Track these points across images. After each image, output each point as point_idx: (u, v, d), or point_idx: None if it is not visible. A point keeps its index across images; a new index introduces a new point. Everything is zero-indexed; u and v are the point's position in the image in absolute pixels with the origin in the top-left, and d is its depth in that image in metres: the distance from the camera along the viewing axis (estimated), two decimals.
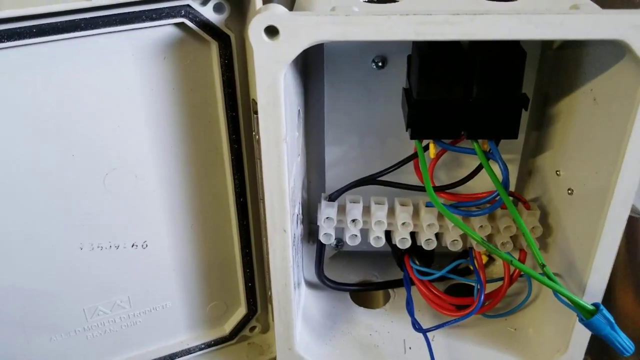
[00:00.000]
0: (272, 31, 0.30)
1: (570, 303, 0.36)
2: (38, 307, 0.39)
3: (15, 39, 0.30)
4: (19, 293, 0.38)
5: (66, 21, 0.30)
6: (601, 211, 0.36)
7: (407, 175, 0.43)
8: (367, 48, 0.42)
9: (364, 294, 0.50)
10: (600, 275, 0.37)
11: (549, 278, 0.36)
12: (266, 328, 0.47)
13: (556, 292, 0.36)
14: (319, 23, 0.30)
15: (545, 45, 0.42)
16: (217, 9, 0.33)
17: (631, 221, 0.54)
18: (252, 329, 0.47)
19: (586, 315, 0.36)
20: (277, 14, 0.30)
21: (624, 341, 0.36)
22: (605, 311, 0.36)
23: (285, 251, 0.37)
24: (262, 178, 0.35)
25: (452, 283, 0.50)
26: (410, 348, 0.44)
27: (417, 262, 0.45)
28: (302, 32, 0.30)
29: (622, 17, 0.30)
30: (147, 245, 0.40)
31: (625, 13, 0.30)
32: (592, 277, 0.37)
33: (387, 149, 0.46)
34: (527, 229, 0.38)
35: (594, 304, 0.36)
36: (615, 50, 0.33)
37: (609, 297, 0.59)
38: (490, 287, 0.45)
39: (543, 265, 0.37)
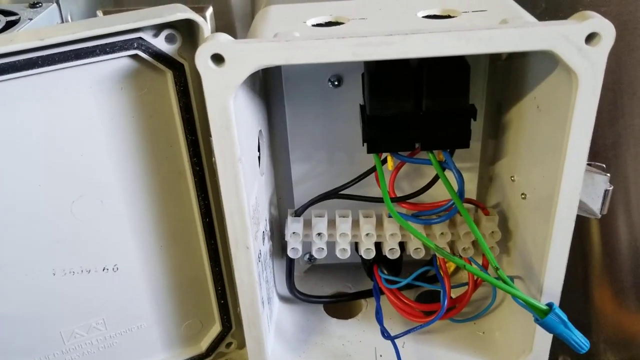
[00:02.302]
0: (218, 58, 0.32)
1: (525, 304, 0.37)
2: (16, 332, 0.41)
3: None
4: None
5: (24, 59, 0.32)
6: (549, 213, 0.37)
7: (373, 187, 0.44)
8: (322, 68, 0.44)
9: (339, 306, 0.51)
10: (555, 276, 0.38)
11: (503, 281, 0.37)
12: (242, 344, 0.48)
13: (514, 296, 0.38)
14: (262, 49, 0.32)
15: (494, 57, 0.43)
16: (169, 39, 0.35)
17: (607, 222, 0.56)
18: (229, 345, 0.48)
19: (540, 315, 0.37)
20: (222, 42, 0.31)
21: (578, 339, 0.37)
22: (558, 310, 0.37)
23: (250, 267, 0.39)
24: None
25: (424, 291, 0.51)
26: (381, 356, 0.45)
27: (385, 272, 0.47)
28: (246, 58, 0.32)
29: (548, 28, 0.31)
30: (117, 268, 0.41)
31: (552, 24, 0.31)
32: (547, 278, 0.39)
33: (352, 163, 0.48)
34: (480, 234, 0.39)
35: (548, 304, 0.37)
36: (550, 59, 0.34)
37: (587, 298, 0.61)
38: (457, 292, 0.46)
39: (497, 269, 0.38)
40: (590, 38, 0.31)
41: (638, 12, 0.45)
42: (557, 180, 0.36)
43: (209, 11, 0.43)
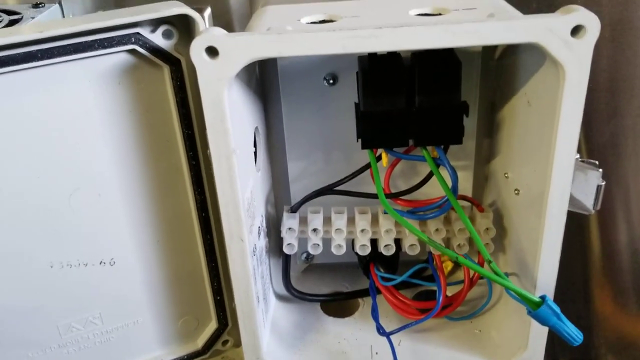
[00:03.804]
0: (212, 51, 0.33)
1: (517, 297, 0.37)
2: (13, 324, 0.41)
3: None
4: None
5: (23, 52, 0.33)
6: (541, 208, 0.37)
7: (369, 186, 0.45)
8: (318, 67, 0.45)
9: (335, 305, 0.52)
10: (548, 270, 0.39)
11: (495, 273, 0.38)
12: (239, 342, 0.48)
13: (506, 288, 0.38)
14: (254, 42, 0.32)
15: (486, 58, 0.44)
16: (166, 35, 0.36)
17: (606, 223, 0.56)
18: (225, 342, 0.48)
19: (533, 307, 0.37)
20: (216, 35, 0.32)
21: (572, 331, 0.37)
22: (550, 302, 0.37)
23: (244, 260, 0.39)
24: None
25: (423, 289, 0.51)
26: (377, 353, 0.45)
27: (381, 269, 0.47)
28: (239, 50, 0.33)
29: (534, 21, 0.32)
30: (114, 262, 0.41)
31: (538, 17, 0.32)
32: (541, 273, 0.39)
33: (349, 161, 0.48)
34: (472, 227, 0.39)
35: (541, 297, 0.37)
36: (539, 55, 0.35)
37: (587, 300, 0.60)
38: (453, 291, 0.46)
39: (489, 261, 0.38)
40: (576, 31, 0.32)
41: (629, 12, 0.45)
42: (547, 174, 0.36)
43: (207, 12, 0.44)
